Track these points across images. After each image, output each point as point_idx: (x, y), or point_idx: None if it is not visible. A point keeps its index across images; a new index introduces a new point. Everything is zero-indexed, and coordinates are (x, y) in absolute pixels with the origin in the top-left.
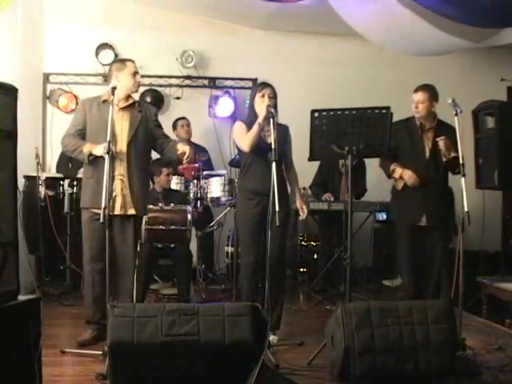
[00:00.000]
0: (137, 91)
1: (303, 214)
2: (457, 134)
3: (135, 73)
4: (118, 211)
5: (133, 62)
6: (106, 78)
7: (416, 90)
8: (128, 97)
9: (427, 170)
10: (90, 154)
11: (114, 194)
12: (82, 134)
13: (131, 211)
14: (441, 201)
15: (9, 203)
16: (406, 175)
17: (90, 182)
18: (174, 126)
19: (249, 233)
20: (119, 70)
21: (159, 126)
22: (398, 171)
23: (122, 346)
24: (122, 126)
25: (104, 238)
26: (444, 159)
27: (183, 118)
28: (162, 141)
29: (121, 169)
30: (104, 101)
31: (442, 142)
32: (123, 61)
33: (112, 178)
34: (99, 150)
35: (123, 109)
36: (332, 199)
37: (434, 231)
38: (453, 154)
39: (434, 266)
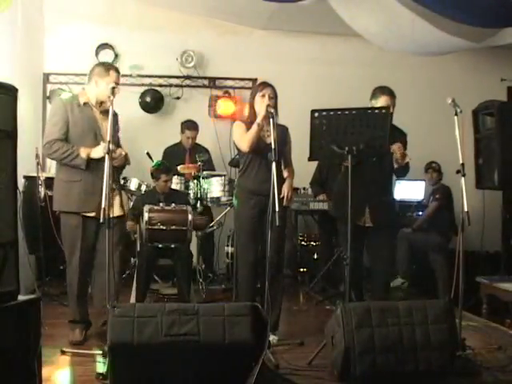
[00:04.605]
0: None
1: (285, 199)
2: (406, 139)
3: (116, 83)
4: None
5: (117, 71)
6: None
7: (392, 95)
8: (102, 102)
9: (373, 170)
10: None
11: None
12: (66, 137)
13: (118, 212)
14: (385, 200)
15: (9, 203)
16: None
17: (77, 185)
18: (182, 129)
19: (247, 233)
20: (101, 76)
21: (118, 132)
22: None
23: (122, 346)
24: (105, 129)
25: (94, 239)
26: (396, 165)
27: (193, 129)
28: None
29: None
30: (85, 103)
31: (397, 150)
32: (107, 68)
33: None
34: (99, 152)
35: (102, 112)
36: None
37: (379, 231)
38: (406, 160)
39: (380, 266)
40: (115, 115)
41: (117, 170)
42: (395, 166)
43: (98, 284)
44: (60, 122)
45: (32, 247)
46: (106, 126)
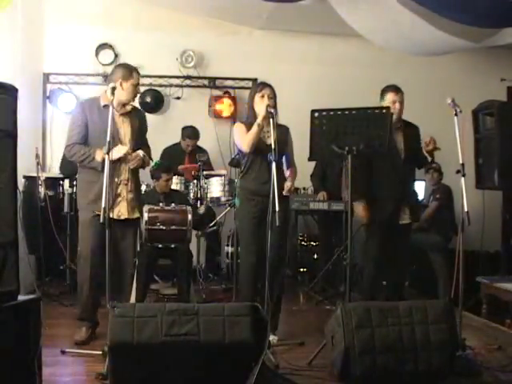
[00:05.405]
0: (134, 101)
1: (286, 189)
2: (420, 132)
3: (138, 84)
4: (124, 215)
5: (138, 73)
6: (106, 78)
7: (397, 90)
8: (124, 104)
9: (403, 170)
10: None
11: (118, 199)
12: (85, 140)
13: (136, 214)
14: (412, 200)
15: (9, 203)
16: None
17: (95, 185)
18: (182, 136)
19: (249, 233)
20: (125, 78)
21: (146, 132)
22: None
23: (122, 346)
24: (124, 131)
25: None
26: (426, 155)
27: (194, 138)
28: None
29: (125, 173)
30: (105, 105)
31: (432, 142)
32: (131, 70)
33: (117, 183)
34: (113, 154)
35: (123, 114)
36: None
37: (402, 229)
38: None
39: (401, 262)
40: (143, 115)
41: (134, 172)
42: (424, 153)
43: (122, 291)
44: (79, 126)
45: (32, 247)
46: (125, 128)
